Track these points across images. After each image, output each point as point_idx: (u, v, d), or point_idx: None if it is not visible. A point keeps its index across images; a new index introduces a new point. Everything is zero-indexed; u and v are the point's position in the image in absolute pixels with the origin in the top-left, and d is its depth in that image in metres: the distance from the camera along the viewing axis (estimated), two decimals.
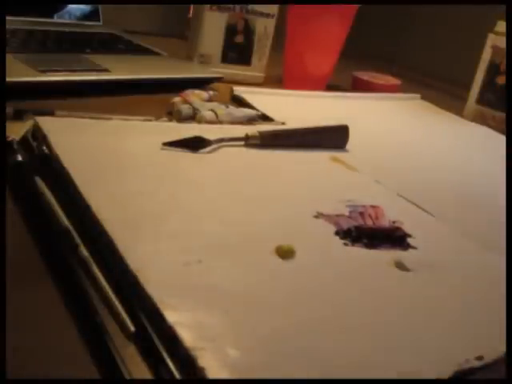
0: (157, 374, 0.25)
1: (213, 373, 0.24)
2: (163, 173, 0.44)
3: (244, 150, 0.53)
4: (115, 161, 0.44)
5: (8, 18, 0.80)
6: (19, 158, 0.42)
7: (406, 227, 0.42)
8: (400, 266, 0.37)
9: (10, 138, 0.44)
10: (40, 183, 0.38)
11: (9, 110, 0.48)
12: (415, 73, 1.14)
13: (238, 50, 0.84)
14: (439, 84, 1.09)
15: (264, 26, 0.84)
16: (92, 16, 0.95)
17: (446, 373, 0.28)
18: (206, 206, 0.40)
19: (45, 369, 0.24)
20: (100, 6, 0.96)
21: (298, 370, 0.26)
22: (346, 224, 0.41)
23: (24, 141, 0.45)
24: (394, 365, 0.28)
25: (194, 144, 0.49)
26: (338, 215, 0.42)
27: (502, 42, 0.81)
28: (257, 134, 0.53)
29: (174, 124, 0.56)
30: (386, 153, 0.62)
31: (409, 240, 0.41)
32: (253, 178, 0.47)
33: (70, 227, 0.34)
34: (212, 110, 0.59)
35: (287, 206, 0.42)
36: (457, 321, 0.32)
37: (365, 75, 0.96)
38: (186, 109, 0.58)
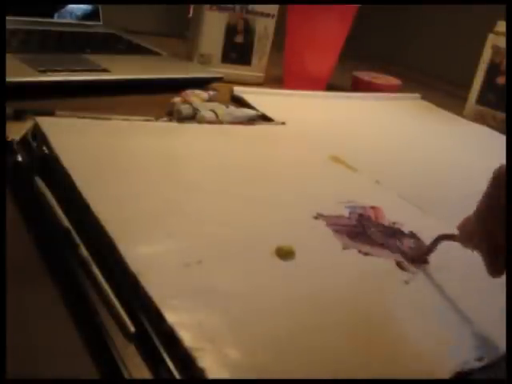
0: (157, 374, 0.25)
1: (212, 373, 0.24)
2: (163, 173, 0.44)
3: (244, 149, 0.53)
4: (115, 161, 0.44)
5: (8, 18, 0.80)
6: (19, 158, 0.42)
7: (407, 228, 0.42)
8: (400, 266, 0.37)
9: (9, 138, 0.44)
10: (40, 183, 0.38)
11: (9, 110, 0.48)
12: (415, 73, 1.14)
13: (238, 49, 0.84)
14: (439, 84, 1.09)
15: (264, 26, 0.84)
16: (92, 16, 0.95)
17: (446, 373, 0.28)
18: (206, 206, 0.40)
19: (45, 369, 0.24)
20: (100, 6, 0.96)
21: (298, 371, 0.26)
22: None
23: (24, 141, 0.45)
24: (394, 365, 0.28)
25: None
26: (337, 216, 0.42)
27: (502, 42, 0.81)
28: None
29: (174, 124, 0.56)
30: (386, 153, 0.62)
31: None
32: (253, 178, 0.47)
33: (70, 227, 0.34)
34: (212, 110, 0.59)
35: (287, 207, 0.42)
36: (457, 321, 0.32)
37: (365, 75, 0.96)
38: (186, 109, 0.58)
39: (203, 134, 0.55)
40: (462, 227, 0.34)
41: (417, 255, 0.38)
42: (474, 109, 0.87)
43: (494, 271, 0.30)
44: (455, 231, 0.35)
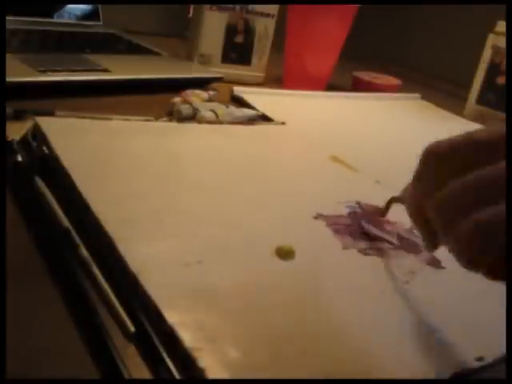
0: (157, 374, 0.25)
1: (212, 373, 0.24)
2: (163, 173, 0.44)
3: (244, 149, 0.53)
4: (115, 161, 0.44)
5: (8, 18, 0.80)
6: (19, 158, 0.42)
7: (406, 228, 0.42)
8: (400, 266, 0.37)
9: (9, 138, 0.44)
10: (40, 183, 0.38)
11: (9, 110, 0.48)
12: (415, 73, 1.14)
13: (238, 49, 0.84)
14: (439, 84, 1.09)
15: (264, 26, 0.84)
16: (92, 16, 0.95)
17: (445, 373, 0.28)
18: (206, 206, 0.40)
19: (45, 369, 0.24)
20: (100, 6, 0.96)
21: (298, 371, 0.26)
22: None
23: (24, 141, 0.45)
24: (394, 365, 0.28)
25: None
26: (337, 216, 0.42)
27: (502, 42, 0.81)
28: None
29: (174, 124, 0.56)
30: (386, 153, 0.62)
31: None
32: (253, 178, 0.47)
33: (70, 227, 0.34)
34: (212, 110, 0.59)
35: (287, 207, 0.42)
36: (457, 321, 0.32)
37: (365, 75, 0.96)
38: (186, 109, 0.58)
39: (203, 134, 0.55)
40: (404, 192, 0.34)
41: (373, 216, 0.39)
42: (473, 109, 0.87)
43: (426, 245, 0.30)
44: None
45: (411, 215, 0.30)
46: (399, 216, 0.44)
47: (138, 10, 1.09)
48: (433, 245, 0.30)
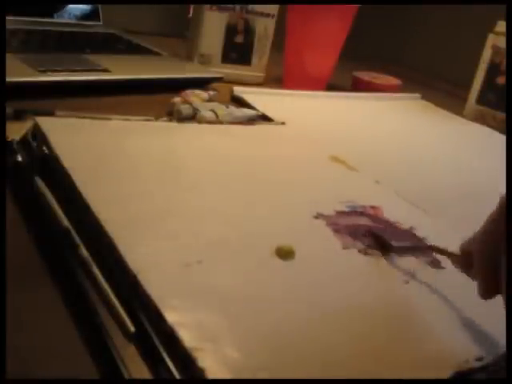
0: (156, 374, 0.25)
1: (212, 373, 0.24)
2: (163, 173, 0.44)
3: (244, 149, 0.53)
4: (115, 161, 0.44)
5: (8, 18, 0.80)
6: (19, 158, 0.42)
7: (406, 228, 0.42)
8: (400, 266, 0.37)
9: (9, 138, 0.44)
10: (40, 183, 0.38)
11: (9, 110, 0.48)
12: (415, 73, 1.14)
13: (238, 49, 0.84)
14: (439, 84, 1.09)
15: (264, 26, 0.84)
16: (92, 16, 0.95)
17: (445, 373, 0.28)
18: (206, 206, 0.40)
19: (45, 369, 0.24)
20: (100, 6, 0.96)
21: (298, 370, 0.26)
22: None
23: (24, 141, 0.45)
24: (394, 365, 0.28)
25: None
26: (337, 216, 0.42)
27: (502, 42, 0.81)
28: None
29: (174, 124, 0.56)
30: (386, 153, 0.62)
31: None
32: (253, 178, 0.47)
33: (70, 227, 0.34)
34: (212, 110, 0.59)
35: (287, 207, 0.42)
36: (457, 321, 0.32)
37: (365, 75, 0.96)
38: (186, 109, 0.58)
39: (203, 134, 0.55)
40: (463, 247, 0.34)
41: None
42: (474, 109, 0.87)
43: (484, 292, 0.30)
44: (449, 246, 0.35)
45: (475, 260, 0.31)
46: (399, 216, 0.44)
47: (138, 9, 1.09)
48: (491, 294, 0.30)
